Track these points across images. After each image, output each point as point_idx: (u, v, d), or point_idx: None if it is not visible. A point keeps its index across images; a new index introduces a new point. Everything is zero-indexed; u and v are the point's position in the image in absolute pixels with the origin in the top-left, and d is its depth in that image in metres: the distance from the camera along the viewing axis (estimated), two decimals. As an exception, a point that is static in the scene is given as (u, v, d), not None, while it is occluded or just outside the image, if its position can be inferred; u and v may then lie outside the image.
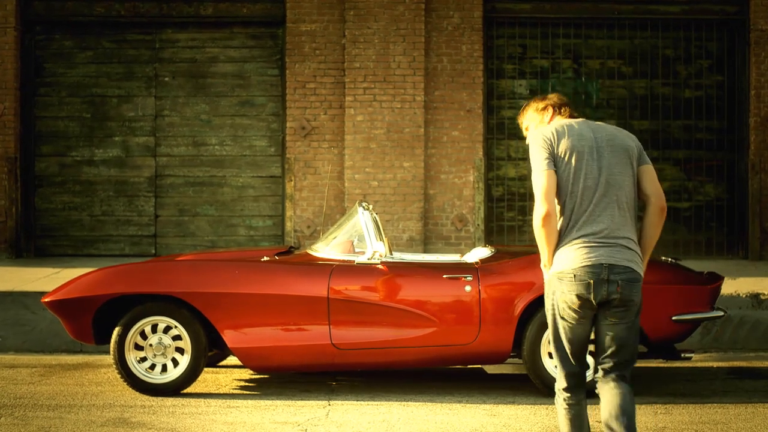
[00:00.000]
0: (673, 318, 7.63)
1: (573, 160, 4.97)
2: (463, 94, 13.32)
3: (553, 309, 5.03)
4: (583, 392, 5.14)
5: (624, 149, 5.04)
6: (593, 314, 4.96)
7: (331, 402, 7.50)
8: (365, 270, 7.72)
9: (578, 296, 4.88)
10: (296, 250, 9.08)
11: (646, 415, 7.09)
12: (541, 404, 7.42)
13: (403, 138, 13.17)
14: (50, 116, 13.77)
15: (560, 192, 4.98)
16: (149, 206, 13.74)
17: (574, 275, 4.88)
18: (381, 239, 7.90)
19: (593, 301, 4.88)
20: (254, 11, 13.61)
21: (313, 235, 13.09)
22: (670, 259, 8.45)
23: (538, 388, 7.65)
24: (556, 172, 4.98)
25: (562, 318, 4.99)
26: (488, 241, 13.34)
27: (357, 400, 7.54)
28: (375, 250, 7.74)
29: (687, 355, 7.85)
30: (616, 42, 13.66)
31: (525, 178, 13.45)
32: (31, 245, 13.67)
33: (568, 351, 5.04)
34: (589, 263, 4.86)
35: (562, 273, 4.93)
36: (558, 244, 4.99)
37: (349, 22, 13.15)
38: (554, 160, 4.98)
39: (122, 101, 13.75)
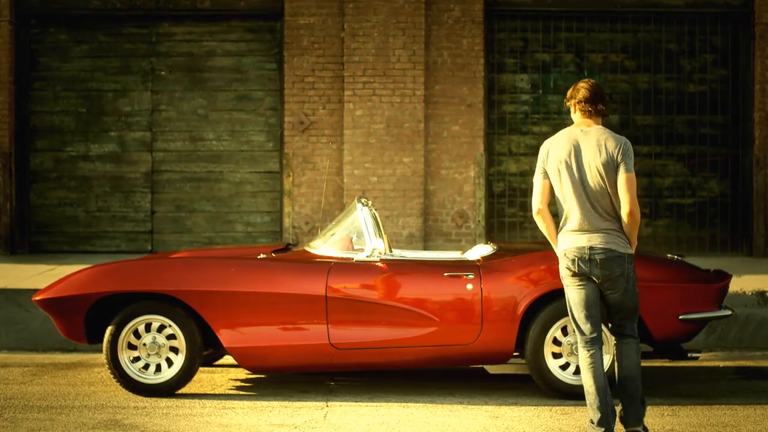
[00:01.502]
0: (680, 317, 7.49)
1: (560, 175, 6.25)
2: (463, 89, 13.16)
3: (563, 280, 6.32)
4: (597, 345, 6.19)
5: (600, 167, 6.15)
6: (590, 282, 6.19)
7: (329, 403, 7.36)
8: (364, 268, 7.57)
9: (567, 268, 6.25)
10: (294, 248, 8.94)
11: (653, 417, 6.94)
12: (544, 405, 7.28)
13: (403, 133, 13.01)
14: (45, 111, 13.61)
15: (555, 195, 6.32)
16: (145, 202, 13.59)
17: (564, 254, 6.25)
18: (380, 236, 7.78)
19: (578, 273, 6.18)
20: (252, 4, 13.46)
21: (312, 231, 12.94)
22: (675, 257, 8.30)
23: (542, 388, 7.51)
24: (550, 179, 6.33)
25: (568, 285, 6.27)
26: (489, 237, 13.20)
27: (356, 401, 7.41)
28: (374, 248, 7.60)
29: (694, 354, 7.73)
30: (619, 36, 13.50)
31: (526, 174, 13.30)
32: (26, 241, 13.53)
33: (582, 312, 6.21)
34: (575, 246, 6.19)
35: (560, 252, 6.31)
36: (559, 232, 6.32)
37: (348, 15, 12.99)
38: (546, 171, 6.33)
39: (118, 96, 13.59)
